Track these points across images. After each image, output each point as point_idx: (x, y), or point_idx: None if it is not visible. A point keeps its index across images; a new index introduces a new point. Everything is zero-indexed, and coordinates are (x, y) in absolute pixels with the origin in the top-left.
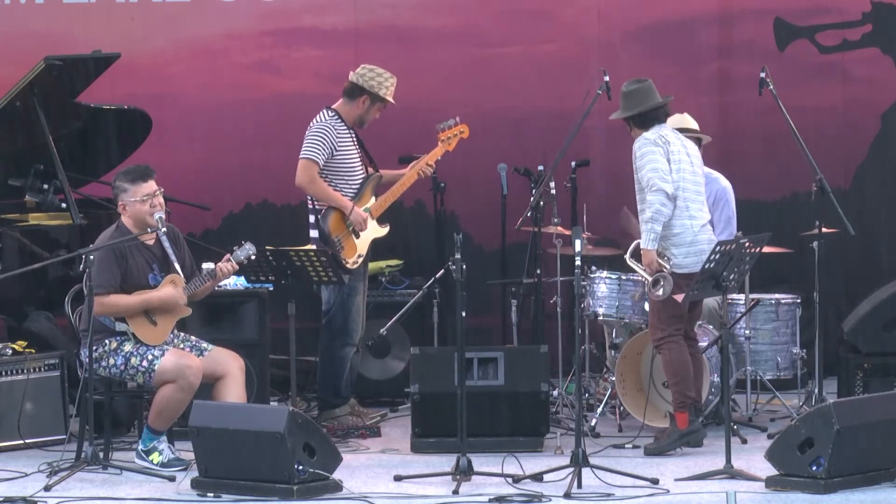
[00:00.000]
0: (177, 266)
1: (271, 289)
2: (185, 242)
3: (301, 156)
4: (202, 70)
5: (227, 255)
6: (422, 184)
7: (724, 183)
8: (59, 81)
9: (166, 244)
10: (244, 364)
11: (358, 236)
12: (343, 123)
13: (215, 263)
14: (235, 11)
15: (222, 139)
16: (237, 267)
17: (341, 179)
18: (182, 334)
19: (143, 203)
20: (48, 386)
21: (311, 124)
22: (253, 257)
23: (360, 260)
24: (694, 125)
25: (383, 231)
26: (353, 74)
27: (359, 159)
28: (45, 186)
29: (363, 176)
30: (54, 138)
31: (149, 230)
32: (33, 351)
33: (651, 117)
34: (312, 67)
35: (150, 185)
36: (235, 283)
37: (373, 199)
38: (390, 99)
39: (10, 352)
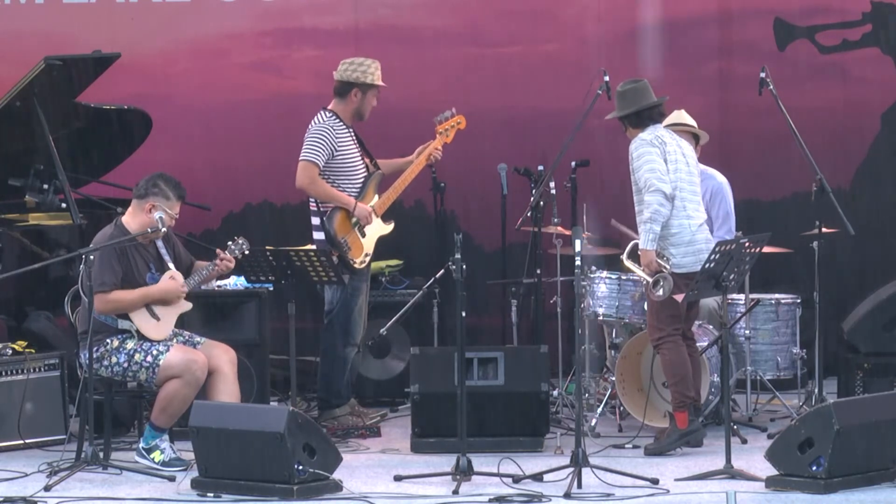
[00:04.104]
0: (171, 265)
1: (271, 289)
2: (175, 237)
3: (301, 158)
4: (202, 70)
5: (223, 253)
6: (422, 184)
7: (721, 179)
8: (59, 81)
9: (159, 243)
10: (235, 357)
11: (364, 235)
12: (342, 123)
13: (213, 263)
14: (235, 11)
15: (222, 139)
16: (233, 261)
17: (344, 179)
18: (175, 329)
19: (169, 218)
20: (48, 386)
21: (310, 126)
22: (247, 252)
23: (367, 259)
24: (691, 121)
25: (388, 228)
26: (337, 73)
27: (360, 158)
28: (45, 186)
29: (365, 174)
30: (54, 138)
31: (149, 230)
32: (33, 351)
33: (646, 116)
34: (312, 67)
35: (178, 207)
36: (235, 283)
37: (376, 196)
38: (379, 83)
39: (10, 352)
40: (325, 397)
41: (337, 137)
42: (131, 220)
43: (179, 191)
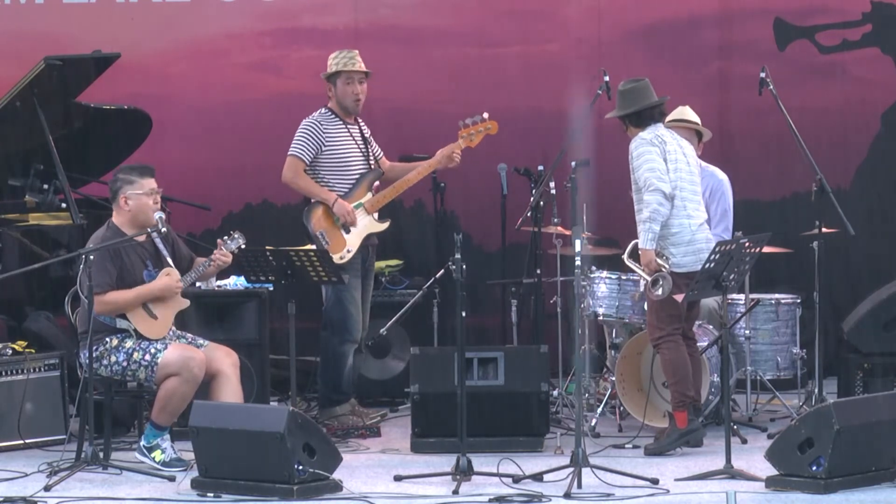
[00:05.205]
0: (169, 261)
1: (271, 289)
2: (174, 234)
3: (288, 153)
4: (202, 70)
5: (219, 248)
6: (422, 184)
7: (721, 176)
8: (59, 81)
9: (157, 239)
10: (238, 360)
11: (348, 231)
12: (338, 119)
13: (209, 259)
14: (235, 11)
15: (222, 139)
16: (229, 256)
17: (334, 175)
18: (178, 331)
19: (148, 196)
20: (48, 386)
21: (301, 123)
22: (242, 246)
23: (349, 255)
24: (694, 117)
25: (381, 226)
26: None
27: (358, 155)
28: (45, 186)
29: (362, 171)
30: (54, 138)
31: (149, 230)
32: (33, 351)
33: (646, 116)
34: (312, 67)
35: (153, 182)
36: (235, 283)
37: (368, 194)
38: (338, 69)
39: (10, 352)
40: (325, 394)
41: (326, 133)
42: (120, 220)
43: (140, 169)
